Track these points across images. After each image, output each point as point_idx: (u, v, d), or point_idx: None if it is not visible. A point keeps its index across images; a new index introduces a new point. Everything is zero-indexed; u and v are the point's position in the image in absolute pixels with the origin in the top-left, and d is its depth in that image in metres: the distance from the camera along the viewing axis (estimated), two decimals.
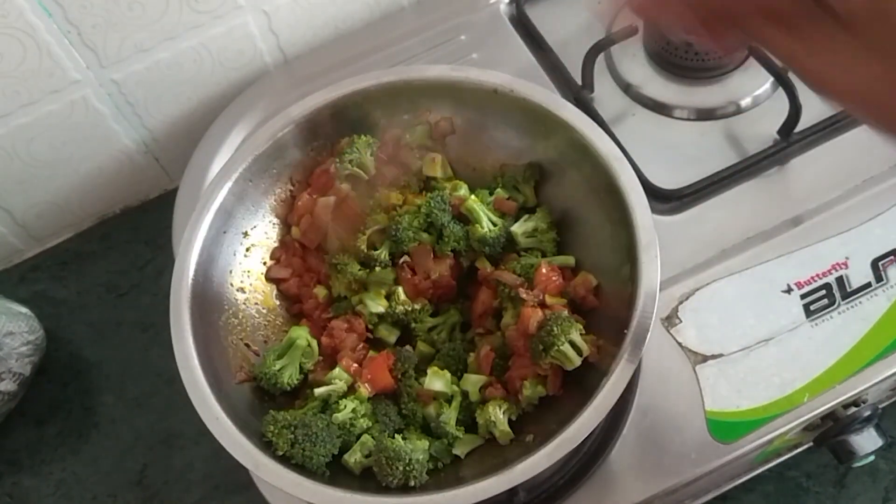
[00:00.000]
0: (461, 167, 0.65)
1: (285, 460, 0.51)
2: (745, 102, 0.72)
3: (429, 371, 0.56)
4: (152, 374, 0.75)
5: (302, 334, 0.57)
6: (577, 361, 0.52)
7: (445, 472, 0.54)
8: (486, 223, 0.59)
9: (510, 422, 0.54)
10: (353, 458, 0.53)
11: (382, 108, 0.62)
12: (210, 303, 0.57)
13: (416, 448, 0.52)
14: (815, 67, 0.34)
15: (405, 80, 0.61)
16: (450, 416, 0.55)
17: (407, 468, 0.51)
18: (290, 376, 0.56)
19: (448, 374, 0.56)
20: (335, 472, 0.53)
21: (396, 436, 0.54)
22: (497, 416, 0.54)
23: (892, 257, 0.62)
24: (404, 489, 0.51)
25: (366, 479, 0.53)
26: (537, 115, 0.59)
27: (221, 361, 0.56)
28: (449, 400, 0.56)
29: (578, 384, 0.53)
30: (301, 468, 0.51)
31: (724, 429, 0.58)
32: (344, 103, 0.61)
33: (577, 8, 0.80)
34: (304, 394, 0.57)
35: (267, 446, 0.51)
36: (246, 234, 0.61)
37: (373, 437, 0.54)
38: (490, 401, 0.55)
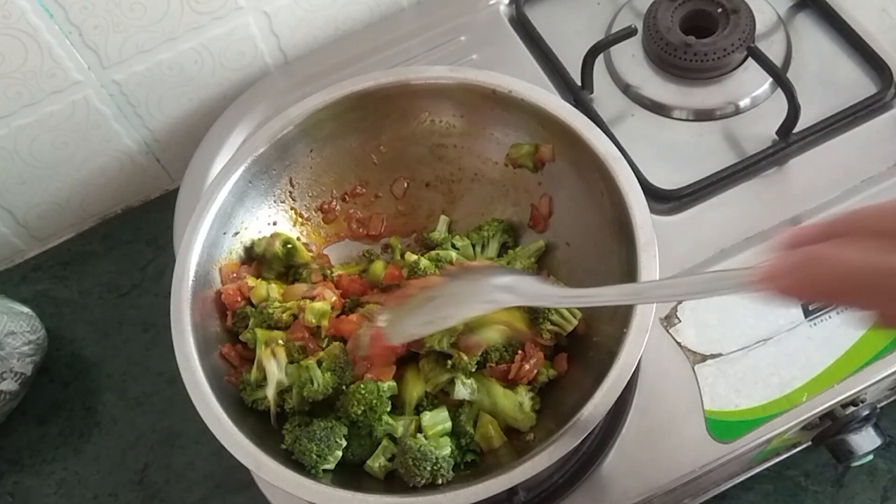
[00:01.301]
0: (464, 172, 0.65)
1: (288, 457, 0.51)
2: (743, 103, 0.72)
3: (456, 380, 0.55)
4: (153, 373, 0.76)
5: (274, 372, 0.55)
6: (574, 322, 0.56)
7: (466, 469, 0.54)
8: None
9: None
10: (377, 463, 0.54)
11: (381, 108, 0.62)
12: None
13: (440, 445, 0.52)
14: None
15: (404, 82, 0.61)
16: (469, 415, 0.55)
17: (434, 467, 0.51)
18: (263, 399, 0.55)
19: (474, 383, 0.55)
20: (361, 479, 0.53)
21: (419, 435, 0.54)
22: (524, 398, 0.54)
23: None
24: (428, 488, 0.51)
25: (390, 482, 0.53)
26: (536, 116, 0.60)
27: (223, 362, 0.56)
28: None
29: (583, 377, 0.53)
30: (302, 467, 0.51)
31: (723, 428, 0.58)
32: (343, 104, 0.61)
33: (576, 9, 0.80)
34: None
35: (268, 447, 0.51)
36: None
37: (394, 442, 0.54)
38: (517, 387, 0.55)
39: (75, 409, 0.75)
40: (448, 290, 0.51)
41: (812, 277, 0.37)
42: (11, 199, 0.80)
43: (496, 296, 0.50)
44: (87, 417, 0.75)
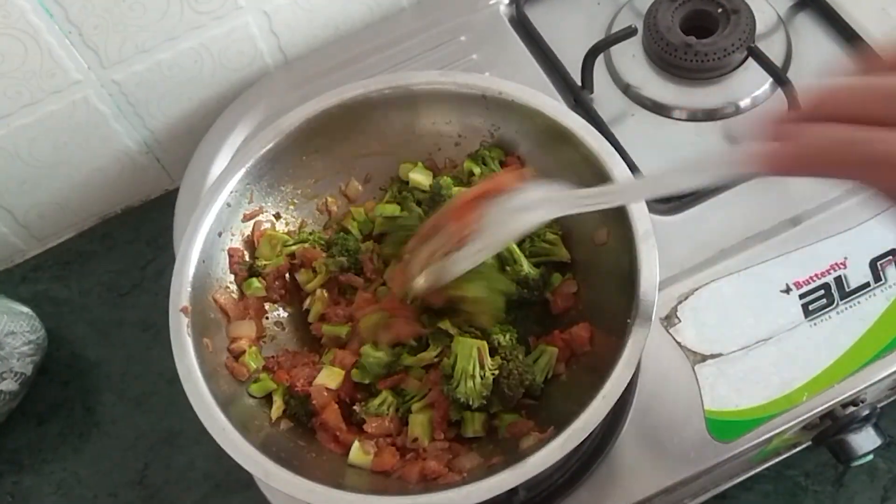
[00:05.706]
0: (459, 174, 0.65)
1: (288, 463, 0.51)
2: (744, 103, 0.72)
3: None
4: (153, 373, 0.76)
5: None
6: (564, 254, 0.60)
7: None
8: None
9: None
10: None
11: (375, 114, 0.62)
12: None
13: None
14: None
15: (393, 88, 0.61)
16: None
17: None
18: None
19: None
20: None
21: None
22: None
23: (890, 257, 0.62)
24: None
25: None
26: (528, 116, 0.60)
27: (223, 367, 0.56)
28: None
29: (586, 375, 0.53)
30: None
31: (723, 428, 0.58)
32: (336, 111, 0.61)
33: (576, 9, 0.80)
34: None
35: (273, 454, 0.51)
36: None
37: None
38: None
39: (75, 408, 0.75)
40: (480, 219, 0.51)
41: (805, 149, 0.37)
42: (11, 199, 0.80)
43: (529, 215, 0.50)
44: (86, 417, 0.75)
